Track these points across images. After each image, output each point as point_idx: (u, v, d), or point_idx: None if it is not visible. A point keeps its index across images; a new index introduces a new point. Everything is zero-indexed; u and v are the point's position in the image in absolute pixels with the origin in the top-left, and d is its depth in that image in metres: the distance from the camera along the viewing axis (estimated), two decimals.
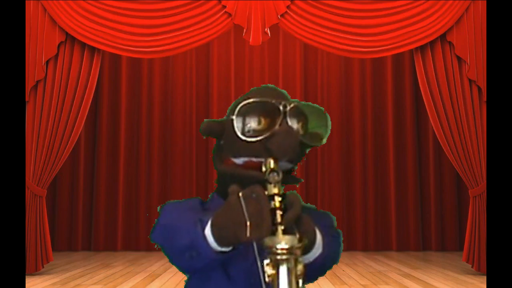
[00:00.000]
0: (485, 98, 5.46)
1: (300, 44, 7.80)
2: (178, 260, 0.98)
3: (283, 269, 0.85)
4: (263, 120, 0.97)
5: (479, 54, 5.53)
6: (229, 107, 1.05)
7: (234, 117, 0.99)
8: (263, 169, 0.95)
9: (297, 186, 1.07)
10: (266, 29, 5.56)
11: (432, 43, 5.64)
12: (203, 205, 1.06)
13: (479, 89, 5.55)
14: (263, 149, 0.96)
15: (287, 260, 0.85)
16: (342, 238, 1.07)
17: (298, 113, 0.99)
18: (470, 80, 5.55)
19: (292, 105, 0.98)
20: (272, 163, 0.93)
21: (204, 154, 7.81)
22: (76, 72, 5.61)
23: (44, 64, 5.54)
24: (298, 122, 0.99)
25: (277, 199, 0.90)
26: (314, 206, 1.12)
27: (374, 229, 7.62)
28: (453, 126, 5.54)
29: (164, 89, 7.90)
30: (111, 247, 7.60)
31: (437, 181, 7.66)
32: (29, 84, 5.52)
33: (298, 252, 0.86)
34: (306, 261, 0.97)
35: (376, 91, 7.88)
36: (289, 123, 0.97)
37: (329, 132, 1.01)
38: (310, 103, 1.01)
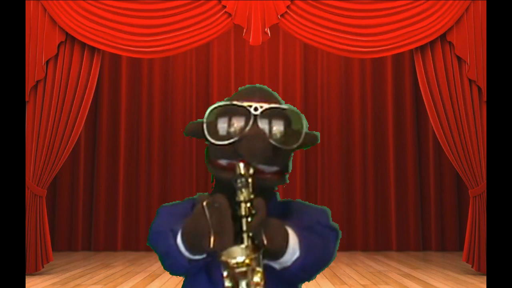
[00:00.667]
0: (485, 98, 5.46)
1: (300, 44, 7.80)
2: (163, 265, 1.01)
3: (241, 284, 0.86)
4: (233, 123, 0.98)
5: (479, 54, 5.53)
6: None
7: (204, 120, 1.00)
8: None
9: (284, 186, 1.08)
10: (266, 29, 5.56)
11: (432, 43, 5.64)
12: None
13: (479, 89, 5.55)
14: (234, 152, 0.96)
15: (242, 273, 0.86)
16: (337, 235, 1.04)
17: (271, 116, 0.98)
18: (470, 80, 5.55)
19: (263, 108, 0.97)
20: (241, 168, 0.93)
21: (204, 154, 7.80)
22: (76, 72, 5.61)
23: (44, 64, 5.54)
24: (270, 125, 0.98)
25: (243, 205, 0.89)
26: (307, 202, 1.10)
27: (374, 229, 7.62)
28: (453, 126, 5.54)
29: (164, 89, 7.90)
30: (111, 247, 7.60)
31: (437, 181, 7.66)
32: (29, 84, 5.52)
33: (255, 262, 0.86)
34: (280, 266, 0.95)
35: (376, 91, 7.88)
36: (260, 126, 0.96)
37: (303, 133, 1.00)
38: (288, 105, 1.00)
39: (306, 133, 1.01)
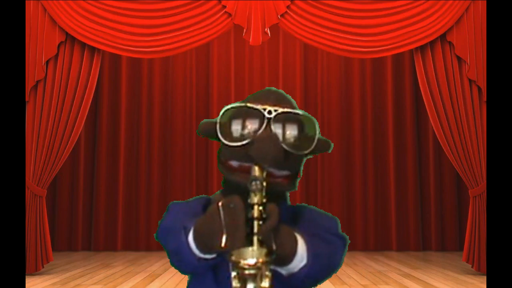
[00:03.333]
0: (485, 98, 5.46)
1: (300, 44, 7.80)
2: (171, 262, 1.01)
3: (248, 285, 0.86)
4: (246, 126, 0.99)
5: (479, 54, 5.53)
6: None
7: (218, 120, 1.00)
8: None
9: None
10: (266, 29, 5.56)
11: (432, 43, 5.64)
12: (207, 206, 1.06)
13: (479, 89, 5.55)
14: (246, 154, 0.97)
15: (252, 276, 0.85)
16: (345, 244, 1.04)
17: (285, 120, 0.99)
18: (470, 80, 5.55)
19: (277, 112, 0.98)
20: (256, 171, 0.93)
21: (204, 154, 7.81)
22: (76, 72, 5.61)
23: (44, 64, 5.54)
24: (283, 129, 0.99)
25: (256, 208, 0.90)
26: (314, 207, 1.10)
27: (374, 229, 7.62)
28: (453, 126, 5.54)
29: (164, 89, 7.90)
30: (111, 247, 7.60)
31: (437, 181, 7.66)
32: (29, 84, 5.52)
33: (265, 266, 0.86)
34: (287, 272, 0.96)
35: (376, 91, 7.88)
36: (273, 129, 0.97)
37: (315, 139, 1.01)
38: (302, 111, 1.01)
39: (318, 139, 1.02)
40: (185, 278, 5.25)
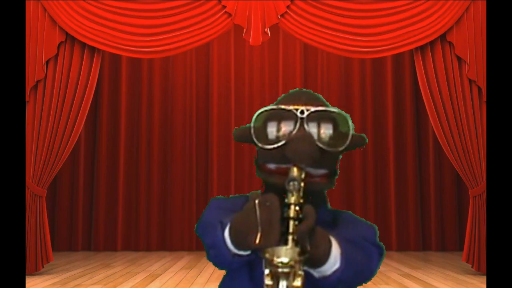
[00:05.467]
0: (485, 98, 5.46)
1: (300, 44, 7.80)
2: (207, 256, 1.03)
3: (281, 283, 0.87)
4: (280, 127, 1.00)
5: (479, 54, 5.53)
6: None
7: (252, 125, 1.02)
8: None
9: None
10: (266, 29, 5.56)
11: (432, 43, 5.64)
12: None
13: (479, 89, 5.55)
14: (283, 156, 0.98)
15: (285, 274, 0.86)
16: (381, 254, 1.04)
17: (318, 119, 1.00)
18: (470, 80, 5.55)
19: (310, 111, 0.99)
20: (295, 171, 0.95)
21: (204, 154, 7.81)
22: (76, 72, 5.61)
23: (44, 64, 5.54)
24: (317, 128, 1.00)
25: (293, 208, 0.91)
26: (353, 213, 1.11)
27: None
28: (453, 126, 5.54)
29: (164, 89, 7.90)
30: (111, 247, 7.60)
31: (437, 181, 7.66)
32: (29, 84, 5.52)
33: (298, 265, 0.87)
34: (319, 274, 0.96)
35: (376, 91, 7.88)
36: (307, 129, 0.98)
37: (350, 135, 1.01)
38: (334, 108, 1.02)
39: (353, 135, 1.02)
40: (185, 279, 5.25)
